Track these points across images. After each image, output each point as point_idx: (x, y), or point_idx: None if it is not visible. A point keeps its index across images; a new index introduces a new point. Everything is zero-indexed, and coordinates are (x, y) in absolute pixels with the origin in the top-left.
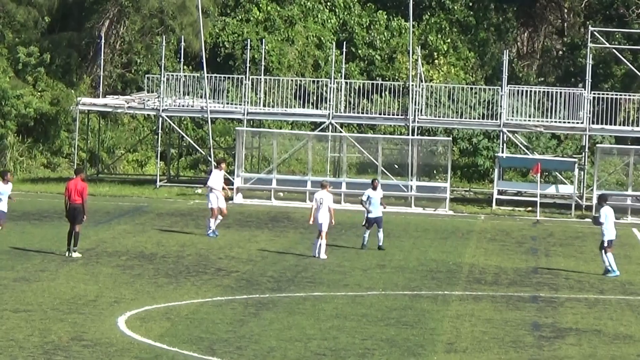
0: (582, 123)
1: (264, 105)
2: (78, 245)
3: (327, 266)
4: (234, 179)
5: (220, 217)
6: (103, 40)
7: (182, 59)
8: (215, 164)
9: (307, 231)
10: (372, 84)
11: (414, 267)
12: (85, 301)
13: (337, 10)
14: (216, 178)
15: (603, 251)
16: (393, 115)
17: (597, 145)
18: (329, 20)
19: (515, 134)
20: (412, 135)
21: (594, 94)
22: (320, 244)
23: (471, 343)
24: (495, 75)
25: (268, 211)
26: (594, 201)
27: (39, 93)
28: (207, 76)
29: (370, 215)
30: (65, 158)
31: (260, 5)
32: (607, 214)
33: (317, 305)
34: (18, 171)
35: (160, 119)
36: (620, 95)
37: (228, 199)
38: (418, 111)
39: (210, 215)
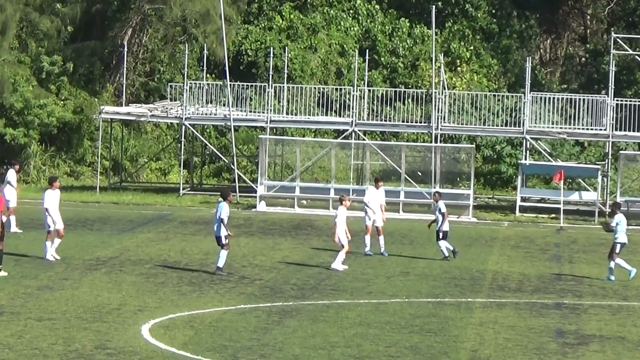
0: (605, 130)
1: (287, 113)
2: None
3: (351, 274)
4: (257, 186)
5: (57, 239)
6: (126, 49)
7: (205, 67)
8: (50, 183)
9: (330, 239)
10: (395, 91)
11: (438, 274)
12: (109, 309)
13: (359, 18)
14: (51, 198)
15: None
16: (416, 122)
17: (621, 152)
18: (352, 28)
19: (539, 141)
20: (435, 142)
21: (617, 100)
22: (337, 255)
23: (495, 350)
24: (518, 83)
25: (291, 219)
26: None
27: (62, 102)
28: (230, 84)
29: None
30: (89, 167)
31: (283, 13)
32: (621, 220)
33: (341, 313)
34: (41, 180)
35: (183, 127)
36: None
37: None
38: (441, 118)
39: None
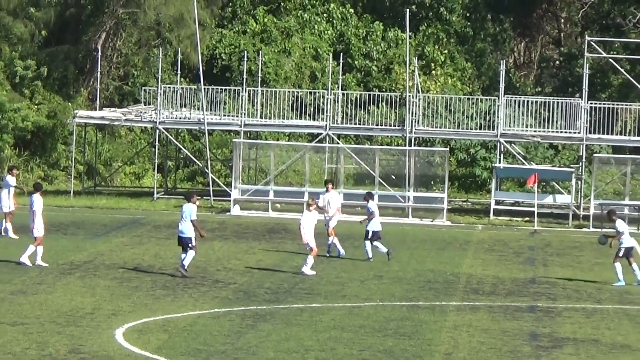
0: (579, 133)
1: (261, 117)
2: None
3: (325, 277)
4: (231, 190)
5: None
6: (100, 53)
7: (179, 71)
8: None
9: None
10: (369, 95)
11: (412, 277)
12: (83, 314)
13: (334, 22)
14: (40, 203)
15: (619, 262)
16: (390, 126)
17: (595, 155)
18: (326, 32)
19: (513, 144)
20: (410, 146)
21: (591, 103)
22: (307, 259)
23: (469, 353)
24: (492, 86)
25: (265, 223)
26: (592, 211)
27: (35, 106)
28: (204, 88)
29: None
30: (63, 171)
31: (257, 17)
32: (621, 228)
33: (315, 317)
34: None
35: (158, 131)
36: (618, 104)
37: None
38: (415, 122)
39: None
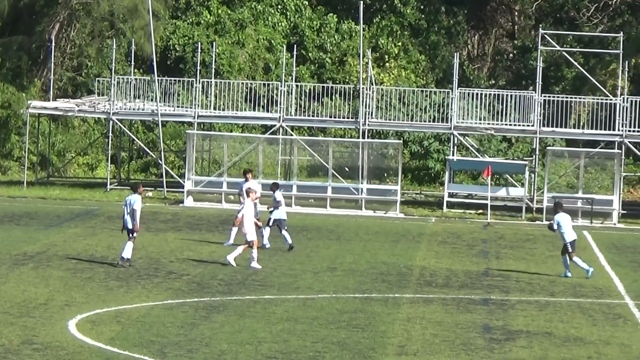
0: (532, 126)
1: (215, 109)
2: None
3: (278, 269)
4: (184, 182)
5: None
6: (53, 44)
7: (132, 62)
8: None
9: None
10: (323, 87)
11: (365, 270)
12: (36, 304)
13: (287, 14)
14: None
15: (567, 256)
16: (344, 118)
17: (548, 147)
18: (280, 24)
19: (466, 137)
20: (363, 138)
21: (545, 96)
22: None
23: (422, 346)
24: (446, 78)
25: (219, 214)
26: (545, 204)
27: None
28: (158, 79)
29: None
30: (16, 161)
31: (211, 8)
32: (559, 220)
33: (268, 309)
34: None
35: (111, 122)
36: (571, 98)
37: None
38: (368, 114)
39: None
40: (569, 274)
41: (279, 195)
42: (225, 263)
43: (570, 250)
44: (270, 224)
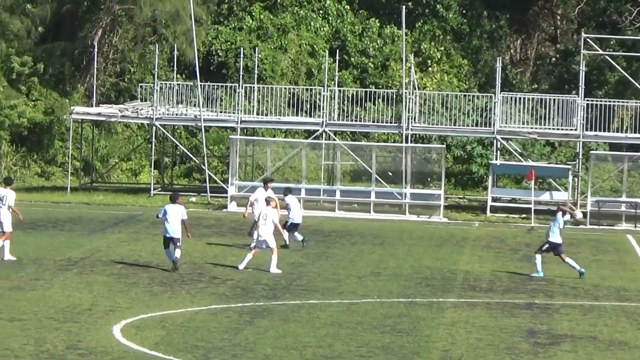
0: (575, 130)
1: (258, 114)
2: None
3: (322, 274)
4: (228, 187)
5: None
6: (96, 50)
7: (175, 68)
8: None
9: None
10: (366, 91)
11: (409, 274)
12: (80, 310)
13: (329, 18)
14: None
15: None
16: (386, 123)
17: (591, 152)
18: (322, 28)
19: (509, 141)
20: (406, 142)
21: (588, 100)
22: (272, 258)
23: (466, 350)
24: (488, 83)
25: None
26: (589, 208)
27: (32, 102)
28: (200, 84)
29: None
30: (60, 167)
31: (253, 13)
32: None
33: (312, 313)
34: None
35: (154, 127)
36: (614, 102)
37: None
38: (411, 119)
39: None
40: (541, 274)
41: (289, 199)
42: (273, 273)
43: (542, 249)
44: (288, 226)
